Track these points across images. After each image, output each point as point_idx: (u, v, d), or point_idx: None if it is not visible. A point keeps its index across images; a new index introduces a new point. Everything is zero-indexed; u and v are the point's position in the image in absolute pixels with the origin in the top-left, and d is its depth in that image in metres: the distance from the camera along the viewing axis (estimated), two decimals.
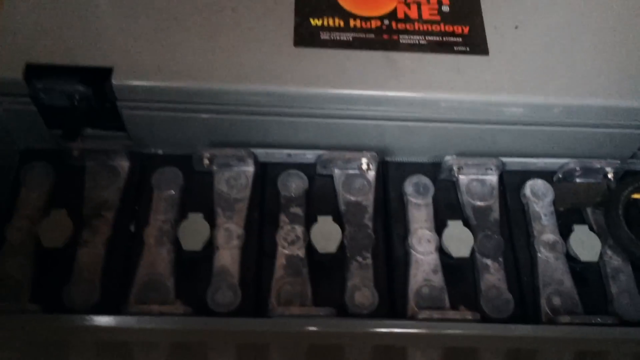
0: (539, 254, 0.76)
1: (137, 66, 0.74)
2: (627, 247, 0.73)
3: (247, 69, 0.75)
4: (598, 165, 0.80)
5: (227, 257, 0.73)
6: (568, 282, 0.74)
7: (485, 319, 0.71)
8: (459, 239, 0.76)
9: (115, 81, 0.73)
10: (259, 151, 0.80)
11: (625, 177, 0.83)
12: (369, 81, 0.76)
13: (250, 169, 0.80)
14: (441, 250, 0.76)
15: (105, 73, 0.74)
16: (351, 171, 0.81)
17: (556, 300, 0.73)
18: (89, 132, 0.82)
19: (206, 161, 0.78)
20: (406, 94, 0.77)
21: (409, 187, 0.80)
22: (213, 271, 0.72)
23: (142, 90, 0.74)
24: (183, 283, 0.73)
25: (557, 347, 0.65)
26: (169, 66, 0.75)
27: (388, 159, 0.85)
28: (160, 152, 0.84)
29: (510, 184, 0.83)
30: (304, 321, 0.64)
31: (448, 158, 0.81)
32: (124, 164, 0.79)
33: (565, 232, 0.78)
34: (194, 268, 0.74)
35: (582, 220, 0.80)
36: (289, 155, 0.81)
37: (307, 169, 0.81)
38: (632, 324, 0.72)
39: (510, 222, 0.80)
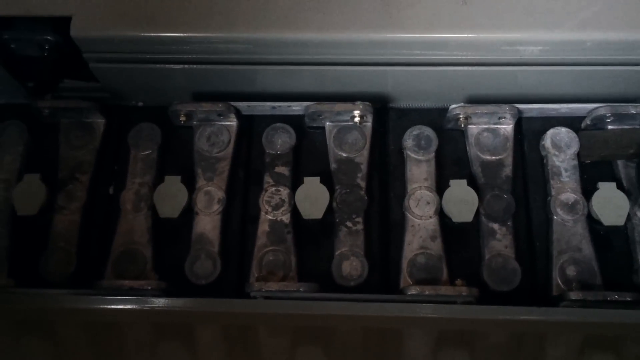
0: (554, 217, 0.67)
1: (98, 15, 0.67)
2: None
3: (223, 14, 0.66)
4: (634, 111, 0.69)
5: (207, 223, 0.68)
6: (587, 250, 0.65)
7: (486, 292, 0.64)
8: (462, 201, 0.67)
9: (74, 32, 0.66)
10: (241, 104, 0.73)
11: None
12: (361, 22, 0.66)
13: (232, 123, 0.73)
14: (442, 214, 0.68)
15: (65, 22, 0.66)
16: (344, 123, 0.72)
17: (571, 271, 0.65)
18: (66, 85, 0.76)
19: (183, 117, 0.71)
20: (404, 35, 0.66)
21: (408, 140, 0.71)
22: (192, 239, 0.68)
23: (104, 40, 0.67)
24: (162, 251, 0.68)
25: (564, 330, 0.58)
26: (135, 14, 0.67)
27: (391, 105, 0.76)
28: (140, 104, 0.77)
29: (530, 133, 0.72)
30: (280, 304, 0.59)
31: (454, 106, 0.71)
32: (99, 121, 0.74)
33: (591, 190, 0.68)
34: (173, 235, 0.69)
35: (612, 177, 0.69)
36: (274, 107, 0.73)
37: (299, 122, 0.73)
38: None
39: (527, 179, 0.71)
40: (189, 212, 0.69)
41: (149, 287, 0.62)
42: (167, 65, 0.70)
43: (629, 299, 0.60)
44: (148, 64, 0.70)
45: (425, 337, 0.64)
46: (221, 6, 0.67)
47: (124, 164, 0.72)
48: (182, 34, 0.67)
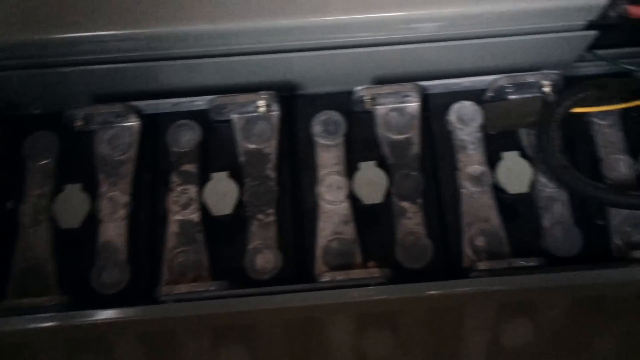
0: (462, 189, 0.68)
1: None
2: (558, 174, 0.64)
3: (115, 11, 0.64)
4: (532, 79, 0.70)
5: (113, 230, 0.66)
6: (495, 219, 0.66)
7: (400, 270, 0.64)
8: (372, 183, 0.67)
9: None
10: (141, 103, 0.70)
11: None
12: (259, 9, 0.64)
13: (133, 124, 0.70)
14: (354, 197, 0.68)
15: None
16: (250, 115, 0.71)
17: (480, 241, 0.66)
18: None
19: (80, 122, 0.69)
20: (304, 20, 0.65)
21: (316, 126, 0.71)
22: (96, 248, 0.65)
23: None
24: (66, 264, 0.65)
25: (475, 300, 0.59)
26: (21, 16, 0.64)
27: (300, 92, 0.75)
28: (37, 112, 0.74)
29: (437, 109, 0.73)
30: (191, 306, 0.57)
31: (359, 88, 0.71)
32: None
33: (497, 160, 0.69)
34: (76, 246, 0.66)
35: (517, 146, 0.71)
36: (176, 104, 0.70)
37: (204, 117, 0.71)
38: (565, 261, 0.64)
39: (435, 155, 0.71)
40: (92, 220, 0.66)
41: (53, 303, 0.60)
42: (60, 69, 0.67)
43: (534, 264, 0.61)
44: (40, 69, 0.67)
45: (345, 321, 0.64)
46: (112, 2, 0.64)
47: (18, 177, 0.68)
48: (74, 34, 0.64)
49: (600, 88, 0.67)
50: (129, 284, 0.63)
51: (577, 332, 0.63)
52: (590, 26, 0.67)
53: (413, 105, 0.72)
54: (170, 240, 0.65)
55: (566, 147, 0.70)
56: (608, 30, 0.70)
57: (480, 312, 0.62)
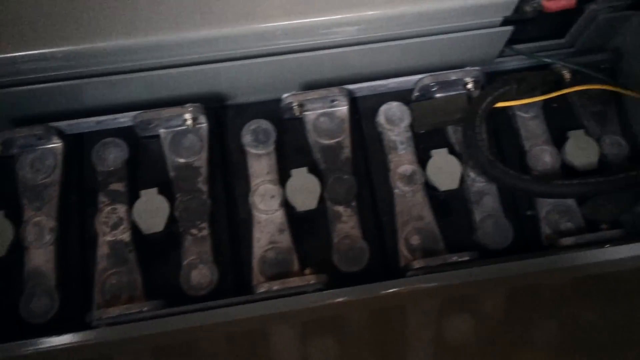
0: (395, 190, 0.68)
1: None
2: (484, 169, 0.65)
3: (27, 30, 0.62)
4: (454, 77, 0.71)
5: (40, 256, 0.64)
6: (428, 217, 0.67)
7: (338, 275, 0.64)
8: (305, 189, 0.67)
9: None
10: (63, 124, 0.68)
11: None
12: (181, 21, 0.63)
13: (56, 145, 0.68)
14: (288, 205, 0.67)
15: None
16: (178, 128, 0.70)
17: (415, 240, 0.66)
18: None
19: None
20: (226, 31, 0.65)
21: (246, 135, 0.70)
22: (24, 276, 0.63)
23: None
24: None
25: (413, 299, 0.59)
26: None
27: (229, 102, 0.74)
28: None
29: (367, 112, 0.73)
30: (124, 329, 0.56)
31: (286, 95, 0.70)
32: None
33: (427, 158, 0.70)
34: (3, 276, 0.64)
35: (446, 143, 0.72)
36: (99, 122, 0.69)
37: (133, 134, 0.70)
38: (498, 253, 0.66)
39: (368, 157, 0.72)
40: (18, 247, 0.64)
41: None
42: None
43: (467, 258, 0.62)
44: None
45: (287, 330, 0.64)
46: (24, 21, 0.62)
47: None
48: None
49: (519, 82, 0.68)
50: (59, 311, 0.61)
51: (515, 322, 0.64)
52: (506, 22, 0.69)
53: (342, 109, 0.72)
54: (101, 263, 0.64)
55: (494, 141, 0.72)
56: (525, 25, 0.72)
57: (420, 310, 0.63)
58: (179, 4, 0.64)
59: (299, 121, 0.73)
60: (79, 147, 0.70)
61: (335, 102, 0.72)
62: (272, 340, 0.64)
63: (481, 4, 0.67)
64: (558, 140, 0.71)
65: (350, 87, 0.72)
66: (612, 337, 0.61)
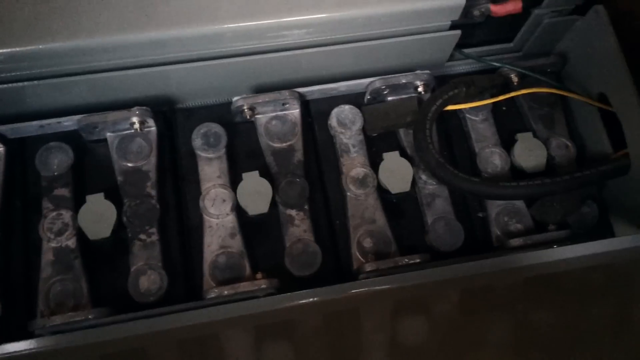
0: (348, 193, 0.68)
1: None
2: (434, 171, 0.66)
3: None
4: (404, 80, 0.71)
5: None
6: (381, 220, 0.67)
7: (291, 279, 0.63)
8: (257, 192, 0.66)
9: None
10: (3, 128, 0.66)
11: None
12: (123, 23, 0.62)
13: None
14: (239, 209, 0.67)
15: None
16: (126, 132, 0.68)
17: (368, 243, 0.66)
18: None
19: None
20: (175, 33, 0.64)
21: (197, 139, 0.69)
22: None
23: None
24: None
25: (365, 301, 0.59)
26: None
27: (179, 106, 0.73)
28: None
29: (319, 115, 0.73)
30: (68, 337, 0.54)
31: (236, 99, 0.70)
32: None
33: (380, 161, 0.70)
34: None
35: (398, 146, 0.72)
36: (42, 126, 0.67)
37: (79, 138, 0.68)
38: (449, 255, 0.66)
39: (320, 160, 0.71)
40: None
41: None
42: None
43: (418, 261, 0.63)
44: None
45: (239, 336, 0.63)
46: None
47: None
48: None
49: (468, 85, 0.69)
50: (1, 319, 0.59)
51: (468, 322, 0.65)
52: (455, 26, 0.70)
53: (293, 112, 0.72)
54: (45, 270, 0.62)
55: (445, 143, 0.73)
56: (474, 29, 0.74)
57: (372, 313, 0.63)
58: (125, 5, 0.63)
59: (250, 124, 0.72)
60: (21, 152, 0.67)
61: (286, 105, 0.71)
62: (224, 346, 0.63)
63: (429, 8, 0.67)
64: (507, 142, 0.73)
65: (302, 90, 0.71)
66: (562, 336, 0.62)
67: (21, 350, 0.54)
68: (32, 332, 0.57)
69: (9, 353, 0.54)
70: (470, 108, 0.72)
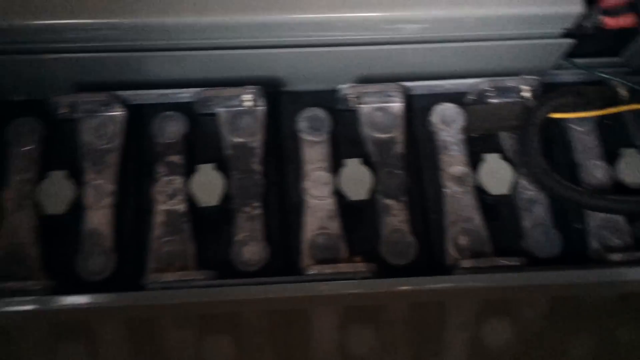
0: (446, 189, 0.69)
1: None
2: (538, 177, 0.66)
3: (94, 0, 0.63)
4: (511, 84, 0.72)
5: (98, 218, 0.65)
6: (477, 219, 0.68)
7: (385, 267, 0.65)
8: (357, 180, 0.68)
9: None
10: (127, 93, 0.70)
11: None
12: (248, 4, 0.65)
13: (119, 114, 0.70)
14: (339, 193, 0.69)
15: None
16: (236, 109, 0.71)
17: (463, 240, 0.67)
18: None
19: (64, 109, 0.68)
20: (289, 17, 0.66)
21: (302, 122, 0.71)
22: (82, 235, 0.64)
23: None
24: (51, 250, 0.64)
25: (458, 297, 0.60)
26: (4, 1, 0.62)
27: (285, 88, 0.76)
28: (21, 98, 0.72)
29: (420, 110, 0.74)
30: (178, 293, 0.57)
31: (343, 87, 0.72)
32: None
33: (478, 161, 0.71)
34: (61, 232, 0.65)
35: (497, 148, 0.73)
36: (161, 95, 0.70)
37: (189, 109, 0.71)
38: (545, 261, 0.66)
39: (419, 155, 0.73)
40: (77, 207, 0.66)
41: (37, 287, 0.59)
42: (45, 55, 0.67)
43: (517, 264, 0.63)
44: (24, 55, 0.66)
45: (330, 314, 0.65)
46: None
47: (2, 163, 0.67)
48: (57, 21, 0.63)
49: (578, 95, 0.69)
50: (115, 272, 0.63)
51: (554, 331, 0.65)
52: (567, 35, 0.70)
53: (397, 105, 0.73)
54: (157, 230, 0.65)
55: (545, 151, 0.73)
56: (585, 39, 0.73)
57: (461, 309, 0.64)
58: None
59: (352, 113, 0.74)
60: (138, 118, 0.71)
61: (391, 98, 0.73)
62: (313, 322, 0.65)
63: (543, 14, 0.68)
64: (610, 156, 0.72)
65: (407, 84, 0.73)
66: None
67: (133, 301, 0.58)
68: (143, 286, 0.60)
69: (124, 303, 0.57)
70: (576, 118, 0.72)
